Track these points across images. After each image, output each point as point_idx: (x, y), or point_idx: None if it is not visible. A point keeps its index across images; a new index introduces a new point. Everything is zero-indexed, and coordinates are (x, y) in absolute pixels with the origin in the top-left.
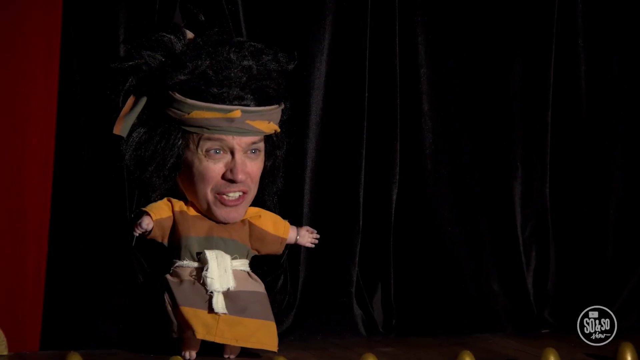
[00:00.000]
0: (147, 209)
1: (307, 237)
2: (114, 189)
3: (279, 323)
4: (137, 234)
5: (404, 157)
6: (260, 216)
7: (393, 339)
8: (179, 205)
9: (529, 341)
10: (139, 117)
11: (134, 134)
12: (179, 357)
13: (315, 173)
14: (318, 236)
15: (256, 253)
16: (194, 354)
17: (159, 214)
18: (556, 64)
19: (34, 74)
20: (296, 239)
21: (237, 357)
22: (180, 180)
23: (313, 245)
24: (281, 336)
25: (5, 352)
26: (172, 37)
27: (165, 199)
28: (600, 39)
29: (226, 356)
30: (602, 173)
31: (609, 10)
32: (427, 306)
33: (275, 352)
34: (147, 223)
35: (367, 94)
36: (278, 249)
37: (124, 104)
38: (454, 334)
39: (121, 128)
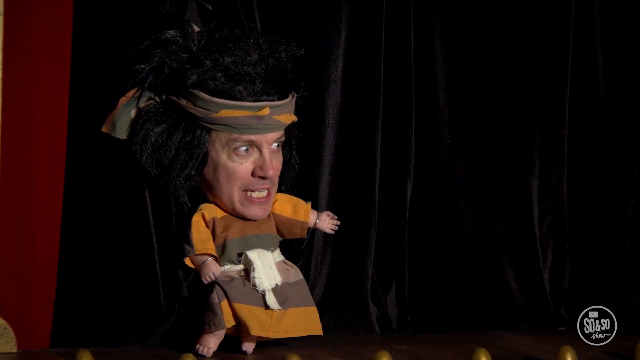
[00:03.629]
0: (202, 249)
1: (327, 221)
2: (126, 183)
3: None
4: (209, 280)
5: (419, 152)
6: (276, 200)
7: (407, 336)
8: (207, 213)
9: (545, 338)
10: (153, 118)
11: (150, 136)
12: (191, 355)
13: (332, 168)
14: (338, 222)
15: (282, 238)
16: (211, 351)
17: (211, 244)
18: (574, 58)
19: (45, 70)
20: (315, 223)
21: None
22: (202, 180)
23: (332, 232)
24: None
25: (15, 349)
26: (182, 33)
27: (198, 217)
28: (618, 33)
29: (244, 349)
30: (620, 168)
31: (627, 3)
32: (442, 303)
33: (321, 336)
34: (217, 269)
35: (382, 88)
36: (301, 233)
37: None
38: (469, 331)
39: (110, 127)
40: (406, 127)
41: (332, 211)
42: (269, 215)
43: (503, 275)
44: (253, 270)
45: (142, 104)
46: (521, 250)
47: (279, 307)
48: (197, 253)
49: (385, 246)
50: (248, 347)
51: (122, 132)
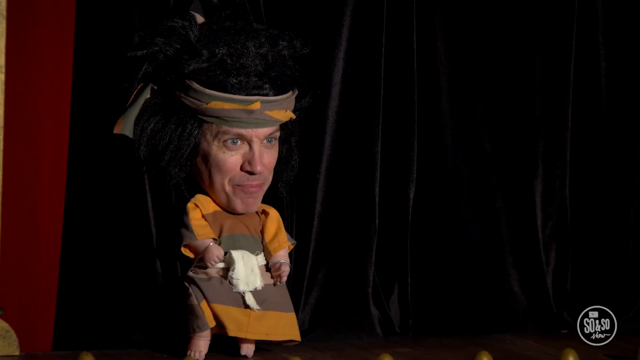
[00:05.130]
0: (201, 234)
1: (274, 271)
2: (130, 184)
3: None
4: (215, 265)
5: (422, 155)
6: (268, 213)
7: (410, 339)
8: (203, 206)
9: (548, 341)
10: (152, 106)
11: (148, 123)
12: (193, 357)
13: (330, 171)
14: (282, 281)
15: None
16: (203, 354)
17: (210, 229)
18: (576, 61)
19: (47, 66)
20: (275, 262)
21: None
22: (195, 171)
23: (275, 280)
24: None
25: (17, 352)
26: (184, 23)
27: (193, 205)
28: (620, 36)
29: (243, 354)
30: (622, 171)
31: (630, 6)
32: (445, 306)
33: (299, 342)
34: (221, 252)
35: (383, 91)
36: (266, 255)
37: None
38: (472, 334)
39: (122, 127)
40: (409, 130)
41: (329, 215)
42: (259, 217)
43: (506, 278)
44: (233, 270)
45: (146, 97)
46: (524, 253)
47: (259, 307)
48: (198, 238)
49: (388, 249)
50: (247, 350)
51: (131, 130)
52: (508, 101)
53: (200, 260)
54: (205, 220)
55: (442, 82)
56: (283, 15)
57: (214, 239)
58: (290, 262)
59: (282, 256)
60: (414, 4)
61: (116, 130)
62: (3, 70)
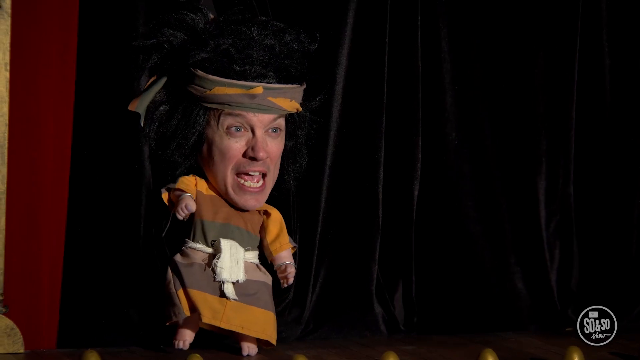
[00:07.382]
0: (184, 187)
1: (280, 273)
2: (133, 182)
3: (298, 322)
4: (183, 218)
5: (427, 153)
6: (270, 214)
7: (414, 337)
8: (200, 184)
9: (552, 339)
10: (160, 96)
11: (156, 113)
12: (197, 355)
13: (333, 169)
14: (289, 282)
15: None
16: (187, 343)
17: (193, 189)
18: (580, 59)
19: (50, 60)
20: (278, 264)
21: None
22: (201, 159)
23: (282, 282)
24: (302, 335)
25: (22, 350)
26: (193, 15)
27: (191, 175)
28: (624, 33)
29: (245, 354)
30: (626, 169)
31: (634, 4)
32: (449, 304)
33: (274, 346)
34: (192, 204)
35: (386, 89)
36: (268, 257)
37: (145, 84)
38: (477, 332)
39: (137, 104)
40: (413, 129)
41: (332, 213)
42: (259, 213)
43: (510, 276)
44: (218, 258)
45: (160, 87)
46: (528, 251)
47: (235, 297)
48: (176, 187)
49: (392, 247)
50: (248, 349)
51: (144, 110)
52: (512, 99)
53: (186, 243)
54: (200, 197)
55: (446, 80)
56: (288, 12)
57: (194, 196)
58: (295, 261)
59: (286, 257)
60: (419, 2)
61: (131, 107)
62: (8, 67)
